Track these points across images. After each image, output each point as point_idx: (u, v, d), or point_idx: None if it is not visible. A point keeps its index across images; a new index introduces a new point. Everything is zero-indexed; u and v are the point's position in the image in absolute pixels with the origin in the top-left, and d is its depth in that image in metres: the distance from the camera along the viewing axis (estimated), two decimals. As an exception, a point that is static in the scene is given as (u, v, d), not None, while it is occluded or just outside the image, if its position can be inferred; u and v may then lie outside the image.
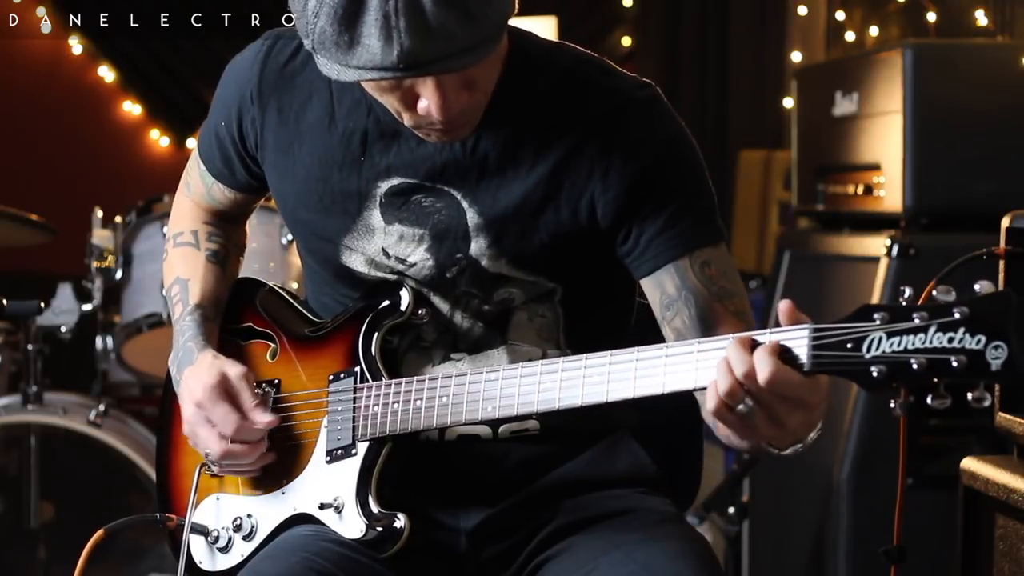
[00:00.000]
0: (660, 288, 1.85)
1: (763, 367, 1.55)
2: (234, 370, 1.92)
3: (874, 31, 4.74)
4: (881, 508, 2.89)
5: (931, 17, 4.31)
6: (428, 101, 1.71)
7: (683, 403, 1.95)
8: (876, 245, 3.27)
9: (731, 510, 3.48)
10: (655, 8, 5.80)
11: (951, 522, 2.37)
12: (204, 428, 1.91)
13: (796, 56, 5.24)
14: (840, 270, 3.51)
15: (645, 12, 5.85)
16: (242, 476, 1.97)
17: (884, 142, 3.35)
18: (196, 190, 2.12)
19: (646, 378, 1.66)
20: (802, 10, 5.22)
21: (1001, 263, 2.30)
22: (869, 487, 3.16)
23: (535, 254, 1.87)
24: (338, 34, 1.64)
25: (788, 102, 4.92)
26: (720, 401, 1.59)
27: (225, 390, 1.91)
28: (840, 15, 4.95)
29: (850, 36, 4.89)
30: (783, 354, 1.56)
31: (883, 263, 3.21)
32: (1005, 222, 2.33)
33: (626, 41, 5.95)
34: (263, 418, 1.90)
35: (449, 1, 1.60)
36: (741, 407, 1.58)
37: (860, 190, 3.46)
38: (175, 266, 2.10)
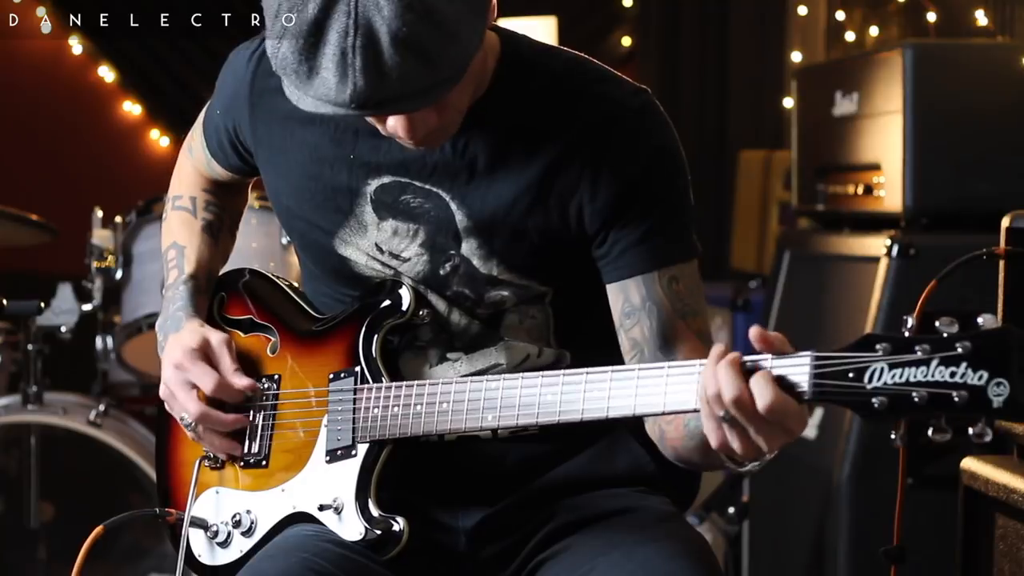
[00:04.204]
0: (624, 295, 1.86)
1: (764, 394, 1.54)
2: (216, 337, 1.96)
3: (874, 31, 4.73)
4: (881, 508, 2.89)
5: (931, 17, 4.31)
6: (395, 123, 1.73)
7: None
8: (876, 245, 3.27)
9: (731, 510, 3.48)
10: (655, 8, 5.80)
11: (951, 522, 2.37)
12: (182, 389, 1.94)
13: (796, 56, 5.23)
14: (840, 270, 3.51)
15: (645, 12, 5.84)
16: (223, 451, 1.97)
17: (884, 142, 3.35)
18: (197, 157, 2.15)
19: (647, 395, 1.66)
20: (802, 10, 5.22)
21: (1001, 263, 2.30)
22: (869, 487, 3.16)
23: (526, 257, 1.87)
24: (298, 62, 1.65)
25: (788, 102, 4.91)
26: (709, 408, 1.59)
27: (205, 354, 1.94)
28: (840, 15, 4.95)
29: (850, 36, 4.88)
30: (782, 381, 1.55)
31: (883, 263, 3.21)
32: (1005, 222, 2.33)
33: (626, 41, 5.95)
34: (241, 381, 1.93)
35: (407, 44, 1.60)
36: (722, 413, 1.58)
37: (860, 190, 3.46)
38: (173, 230, 2.14)
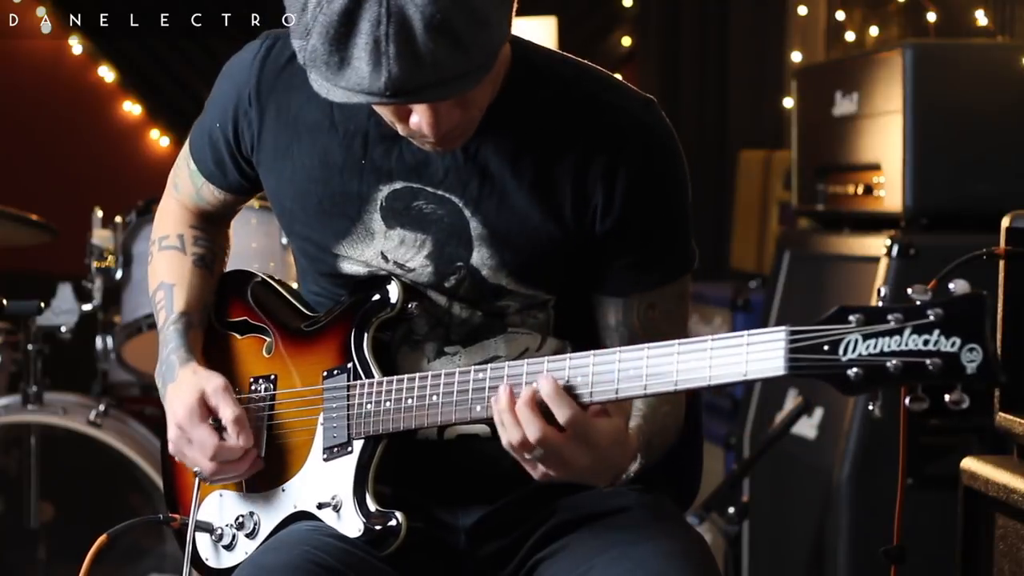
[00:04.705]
0: (603, 310, 1.91)
1: (560, 413, 1.65)
2: (211, 384, 1.93)
3: (874, 31, 4.73)
4: (881, 508, 2.89)
5: (931, 17, 4.31)
6: (420, 118, 1.72)
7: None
8: (876, 245, 3.27)
9: (731, 510, 3.48)
10: (655, 8, 5.79)
11: (951, 522, 2.37)
12: (189, 449, 1.93)
13: (796, 56, 5.23)
14: (840, 270, 3.51)
15: (645, 12, 5.84)
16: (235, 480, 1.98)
17: (884, 142, 3.35)
18: (184, 190, 2.12)
19: (629, 380, 1.66)
20: (802, 10, 5.22)
21: (1001, 263, 2.30)
22: (869, 487, 3.16)
23: (537, 268, 1.87)
24: (329, 54, 1.64)
25: (788, 102, 4.91)
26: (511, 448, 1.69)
27: (205, 407, 1.92)
28: (840, 15, 4.94)
29: (850, 36, 4.88)
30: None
31: (883, 263, 3.21)
32: (1005, 222, 2.33)
33: (626, 41, 5.94)
34: (241, 439, 1.91)
35: (440, 30, 1.60)
36: (536, 453, 1.68)
37: (860, 190, 3.46)
38: (160, 271, 2.10)
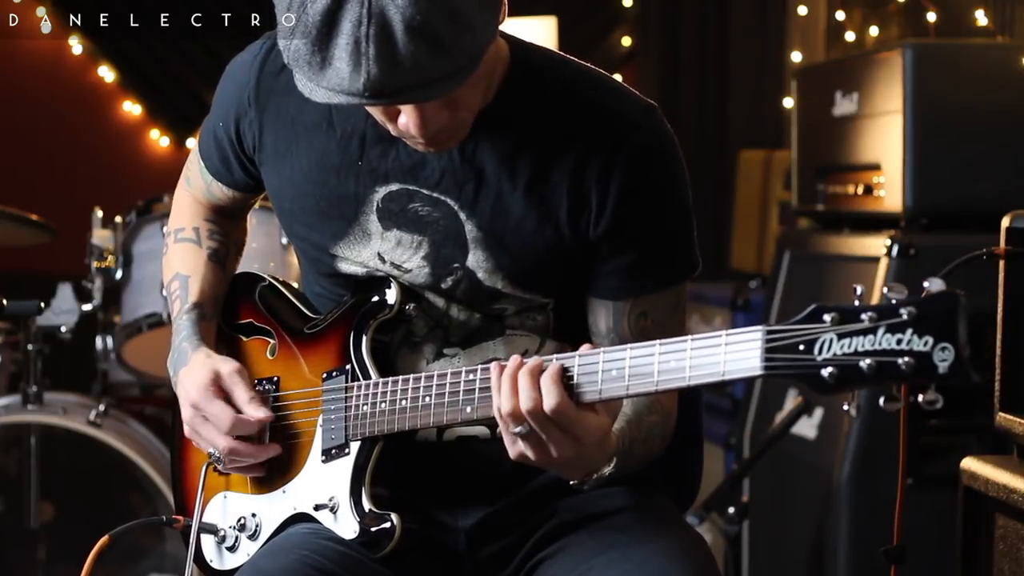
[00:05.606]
0: (595, 315, 1.90)
1: (549, 396, 1.63)
2: (226, 367, 1.93)
3: (874, 31, 4.73)
4: (881, 508, 2.89)
5: (931, 17, 4.31)
6: (407, 119, 1.72)
7: (683, 403, 1.96)
8: (876, 245, 3.27)
9: (731, 510, 3.48)
10: (655, 8, 5.79)
11: (951, 522, 2.37)
12: (204, 427, 1.93)
13: (796, 56, 5.23)
14: (840, 270, 3.51)
15: (645, 12, 5.84)
16: (250, 474, 1.97)
17: (884, 142, 3.35)
18: (196, 185, 2.13)
19: (611, 380, 1.65)
20: (802, 10, 5.22)
21: (1001, 263, 2.30)
22: (869, 487, 3.16)
23: (532, 272, 1.87)
24: (311, 53, 1.65)
25: (788, 102, 4.91)
26: (501, 419, 1.68)
27: (219, 388, 1.92)
28: (840, 15, 4.94)
29: (850, 36, 4.88)
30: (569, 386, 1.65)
31: (883, 263, 3.21)
32: (1005, 222, 2.33)
33: (626, 41, 5.94)
34: (258, 413, 1.91)
35: (421, 32, 1.60)
36: (519, 428, 1.66)
37: (860, 190, 3.46)
38: (175, 262, 2.11)
